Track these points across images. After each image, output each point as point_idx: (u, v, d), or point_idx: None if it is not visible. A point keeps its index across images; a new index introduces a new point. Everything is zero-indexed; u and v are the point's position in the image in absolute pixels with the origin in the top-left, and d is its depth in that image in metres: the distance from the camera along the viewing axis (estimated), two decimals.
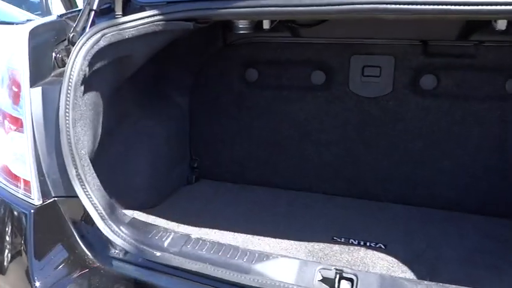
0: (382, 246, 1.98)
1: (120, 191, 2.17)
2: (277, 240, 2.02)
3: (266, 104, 2.55)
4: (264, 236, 2.04)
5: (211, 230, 2.10)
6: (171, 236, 1.60)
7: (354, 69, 2.35)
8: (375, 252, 1.94)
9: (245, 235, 2.04)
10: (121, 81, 2.02)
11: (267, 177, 2.62)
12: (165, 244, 1.56)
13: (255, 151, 2.62)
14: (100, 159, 1.98)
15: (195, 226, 2.13)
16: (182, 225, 2.16)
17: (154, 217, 2.21)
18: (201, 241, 1.59)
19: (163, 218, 2.22)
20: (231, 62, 2.56)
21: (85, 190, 1.53)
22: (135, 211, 2.26)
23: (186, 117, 2.69)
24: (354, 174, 2.47)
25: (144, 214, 2.24)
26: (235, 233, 2.06)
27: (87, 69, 1.58)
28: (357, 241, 2.03)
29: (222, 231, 2.08)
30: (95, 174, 1.61)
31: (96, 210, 1.53)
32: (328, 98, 2.42)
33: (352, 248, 1.97)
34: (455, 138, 2.26)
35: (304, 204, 2.40)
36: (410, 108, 2.31)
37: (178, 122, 2.61)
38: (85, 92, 1.67)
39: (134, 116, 2.32)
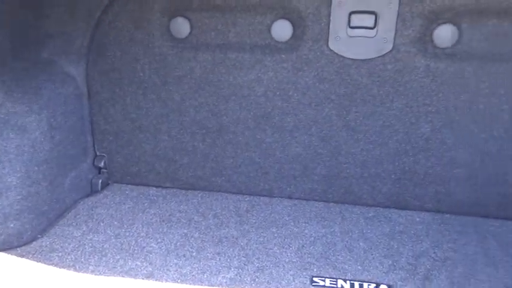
0: None
1: None
2: None
3: (204, 73, 1.72)
4: None
5: None
6: None
7: (336, 18, 1.58)
8: None
9: None
10: None
11: (208, 178, 1.87)
12: None
13: (190, 142, 1.81)
14: None
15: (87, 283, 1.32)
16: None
17: (24, 266, 1.36)
18: None
19: (41, 266, 1.38)
20: (148, 8, 1.69)
21: None
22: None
23: (83, 95, 1.80)
24: (333, 171, 1.79)
25: (11, 259, 1.39)
26: None
27: None
28: (348, 283, 1.37)
29: None
30: None
31: None
32: (296, 63, 1.65)
33: None
34: (478, 119, 1.62)
35: (263, 218, 1.70)
36: (417, 75, 1.60)
37: (69, 104, 1.71)
38: None
39: None
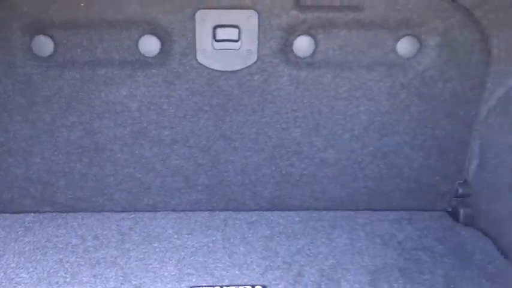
0: None
1: None
2: None
3: (74, 91, 1.68)
4: None
5: None
6: None
7: (201, 32, 1.63)
8: None
9: None
10: None
11: (88, 198, 1.83)
12: None
13: (65, 162, 1.76)
14: None
15: None
16: None
17: None
18: None
19: None
20: (6, 26, 1.61)
21: None
22: None
23: None
24: (215, 180, 1.84)
25: None
26: None
27: None
28: None
29: None
30: None
31: None
32: (167, 77, 1.67)
33: None
34: (340, 120, 1.75)
35: (146, 234, 1.69)
36: (282, 83, 1.70)
37: None
38: None
39: None
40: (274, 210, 1.86)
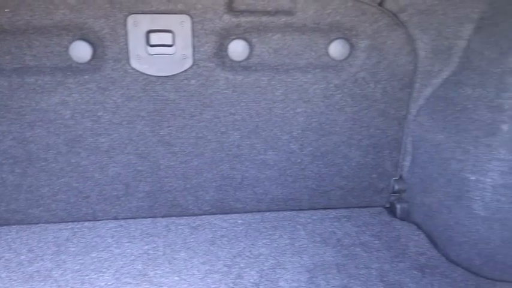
0: None
1: None
2: None
3: (2, 100, 1.63)
4: None
5: None
6: None
7: (134, 37, 1.61)
8: None
9: None
10: None
11: (23, 210, 1.76)
12: None
13: None
14: None
15: None
16: None
17: None
18: None
19: None
20: None
21: None
22: None
23: None
24: (156, 186, 1.82)
25: None
26: None
27: None
28: None
29: None
30: None
31: None
32: (101, 83, 1.64)
33: None
34: (279, 122, 1.78)
35: (84, 245, 1.66)
36: (219, 87, 1.71)
37: None
38: None
39: None
40: (217, 213, 1.87)
